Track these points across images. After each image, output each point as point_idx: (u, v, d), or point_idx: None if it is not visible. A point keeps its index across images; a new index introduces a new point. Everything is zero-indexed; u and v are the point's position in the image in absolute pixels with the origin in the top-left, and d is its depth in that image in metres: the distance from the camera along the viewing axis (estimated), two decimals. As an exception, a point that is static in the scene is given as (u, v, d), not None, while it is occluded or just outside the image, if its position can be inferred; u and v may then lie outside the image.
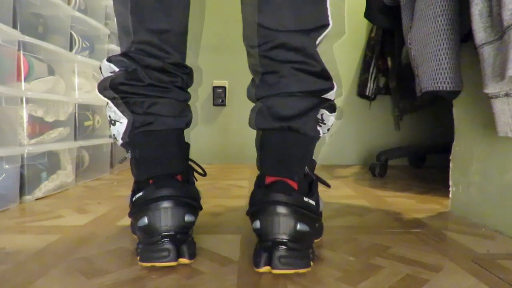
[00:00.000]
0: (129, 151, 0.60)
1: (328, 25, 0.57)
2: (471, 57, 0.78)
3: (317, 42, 0.58)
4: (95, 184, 1.26)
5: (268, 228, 0.52)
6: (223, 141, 1.93)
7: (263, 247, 0.52)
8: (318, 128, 0.59)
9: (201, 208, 0.60)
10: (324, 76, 0.58)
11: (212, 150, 1.90)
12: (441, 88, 0.69)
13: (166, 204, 0.53)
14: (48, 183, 1.07)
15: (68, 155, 1.17)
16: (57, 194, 1.09)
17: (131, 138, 0.59)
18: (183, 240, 0.55)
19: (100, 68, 0.62)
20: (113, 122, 0.61)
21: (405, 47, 1.41)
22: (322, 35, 0.58)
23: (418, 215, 0.86)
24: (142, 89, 0.58)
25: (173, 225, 0.53)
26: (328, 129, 0.62)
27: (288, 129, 0.57)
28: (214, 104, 1.91)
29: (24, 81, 0.98)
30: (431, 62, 0.69)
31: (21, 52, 0.96)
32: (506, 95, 0.60)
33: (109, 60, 0.60)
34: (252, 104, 0.65)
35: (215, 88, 1.90)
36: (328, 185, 0.65)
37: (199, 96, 1.90)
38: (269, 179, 0.57)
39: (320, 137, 0.60)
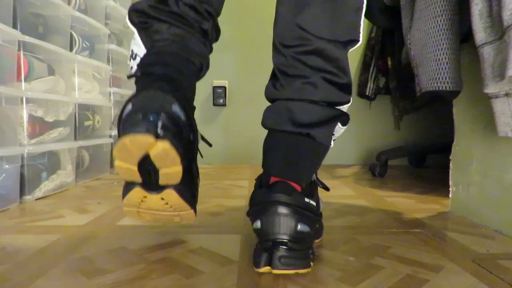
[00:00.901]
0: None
1: (358, 41, 0.58)
2: (471, 57, 0.78)
3: (347, 50, 0.59)
4: (95, 184, 1.26)
5: (269, 228, 0.51)
6: (223, 141, 1.93)
7: (264, 247, 0.52)
8: (332, 143, 0.60)
9: (192, 108, 0.53)
10: (348, 90, 0.58)
11: (212, 150, 1.90)
12: (440, 88, 0.69)
13: (151, 90, 0.47)
14: (48, 183, 1.07)
15: (68, 155, 1.17)
16: (57, 194, 1.09)
17: (141, 60, 0.55)
18: (159, 114, 0.45)
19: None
20: (134, 56, 0.58)
21: (405, 47, 1.41)
22: (351, 49, 0.59)
23: (418, 215, 0.86)
24: (166, 14, 0.55)
25: (154, 105, 0.46)
26: (334, 139, 0.62)
27: (305, 135, 0.56)
28: (214, 104, 1.91)
29: (24, 81, 0.98)
30: (431, 62, 0.69)
31: (21, 52, 0.96)
32: (506, 95, 0.60)
33: None
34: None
35: (215, 88, 1.90)
36: (327, 189, 0.65)
37: (199, 97, 1.90)
38: (272, 180, 0.57)
39: (331, 147, 0.60)
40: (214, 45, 0.63)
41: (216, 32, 0.61)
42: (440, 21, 0.68)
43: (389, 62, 1.68)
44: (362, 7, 0.58)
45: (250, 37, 1.88)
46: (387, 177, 1.49)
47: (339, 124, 0.60)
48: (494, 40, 0.59)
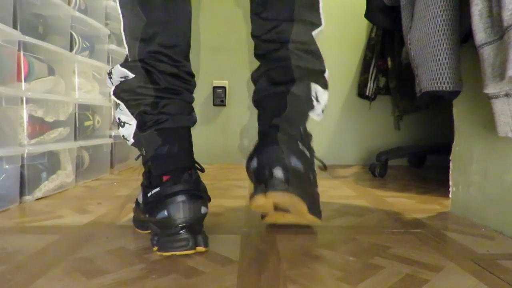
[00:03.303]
0: (143, 148, 0.65)
1: (320, 24, 0.72)
2: (471, 57, 0.78)
3: (313, 34, 0.71)
4: (95, 184, 1.26)
5: (265, 160, 0.62)
6: (223, 141, 1.93)
7: (260, 179, 0.61)
8: (314, 103, 0.70)
9: (210, 199, 0.64)
10: (317, 56, 0.71)
11: (211, 150, 1.91)
12: (441, 88, 0.69)
13: (183, 198, 0.58)
14: (48, 183, 1.07)
15: (68, 155, 1.17)
16: (57, 194, 1.09)
17: (145, 137, 0.63)
18: (199, 230, 0.60)
19: (110, 73, 0.67)
20: (122, 124, 0.67)
21: (405, 47, 1.41)
22: (317, 30, 0.72)
23: (418, 215, 0.86)
24: (158, 91, 0.63)
25: (191, 217, 0.58)
26: (323, 110, 0.72)
27: (287, 92, 0.68)
28: (214, 104, 1.91)
29: (24, 81, 0.98)
30: (431, 62, 0.69)
31: (21, 52, 0.96)
32: (506, 95, 0.60)
33: (124, 66, 0.65)
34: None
35: (215, 88, 1.90)
36: (324, 166, 0.76)
37: (199, 96, 1.90)
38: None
39: (315, 108, 0.70)
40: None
41: (195, 84, 0.70)
42: (441, 21, 0.67)
43: (389, 62, 1.68)
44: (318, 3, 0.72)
45: (250, 37, 1.88)
46: (387, 177, 1.49)
47: (320, 88, 0.71)
48: (494, 40, 0.59)
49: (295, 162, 0.60)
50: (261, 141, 0.66)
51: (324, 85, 0.71)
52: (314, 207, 0.66)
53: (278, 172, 0.59)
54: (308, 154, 0.66)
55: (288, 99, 0.67)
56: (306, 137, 0.69)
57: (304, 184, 0.62)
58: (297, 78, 0.68)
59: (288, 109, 0.66)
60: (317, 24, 0.72)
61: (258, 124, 0.71)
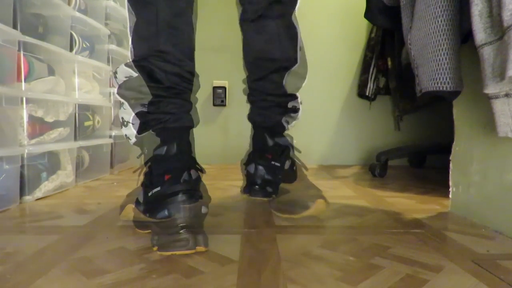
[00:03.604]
0: (145, 148, 0.66)
1: (296, 63, 0.87)
2: (471, 57, 0.78)
3: (286, 73, 0.88)
4: (95, 184, 1.26)
5: (251, 173, 0.94)
6: (222, 141, 1.93)
7: (247, 184, 0.97)
8: (285, 124, 0.94)
9: (210, 199, 0.66)
10: (286, 95, 0.91)
11: (211, 150, 1.90)
12: (441, 89, 0.69)
13: (184, 197, 0.59)
14: (48, 183, 1.07)
15: (68, 155, 1.17)
16: (57, 194, 1.09)
17: (147, 136, 0.65)
18: (199, 230, 0.60)
19: (116, 72, 0.67)
20: (125, 123, 0.68)
21: (405, 47, 1.41)
22: (292, 69, 0.88)
23: (418, 215, 0.86)
24: (161, 90, 0.64)
25: (191, 217, 0.59)
26: (295, 121, 0.96)
27: (268, 130, 0.94)
28: (214, 104, 1.91)
29: (24, 81, 0.98)
30: (431, 62, 0.69)
31: (21, 52, 0.96)
32: (506, 95, 0.60)
33: (128, 65, 0.65)
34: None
35: (215, 88, 1.90)
36: (299, 151, 0.95)
37: (199, 97, 1.90)
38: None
39: (286, 129, 0.94)
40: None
41: (198, 85, 0.74)
42: (441, 21, 0.67)
43: (389, 62, 1.68)
44: (298, 41, 0.87)
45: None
46: (387, 177, 1.49)
47: (291, 114, 0.93)
48: (494, 40, 0.59)
49: (268, 176, 0.91)
50: (249, 160, 0.96)
51: (295, 111, 0.94)
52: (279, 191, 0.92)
53: (258, 182, 0.93)
54: (279, 165, 0.90)
55: (267, 137, 0.93)
56: (280, 153, 0.92)
57: (272, 187, 0.92)
58: (276, 120, 0.93)
59: (267, 144, 0.93)
60: (293, 64, 0.88)
61: (251, 143, 1.00)
